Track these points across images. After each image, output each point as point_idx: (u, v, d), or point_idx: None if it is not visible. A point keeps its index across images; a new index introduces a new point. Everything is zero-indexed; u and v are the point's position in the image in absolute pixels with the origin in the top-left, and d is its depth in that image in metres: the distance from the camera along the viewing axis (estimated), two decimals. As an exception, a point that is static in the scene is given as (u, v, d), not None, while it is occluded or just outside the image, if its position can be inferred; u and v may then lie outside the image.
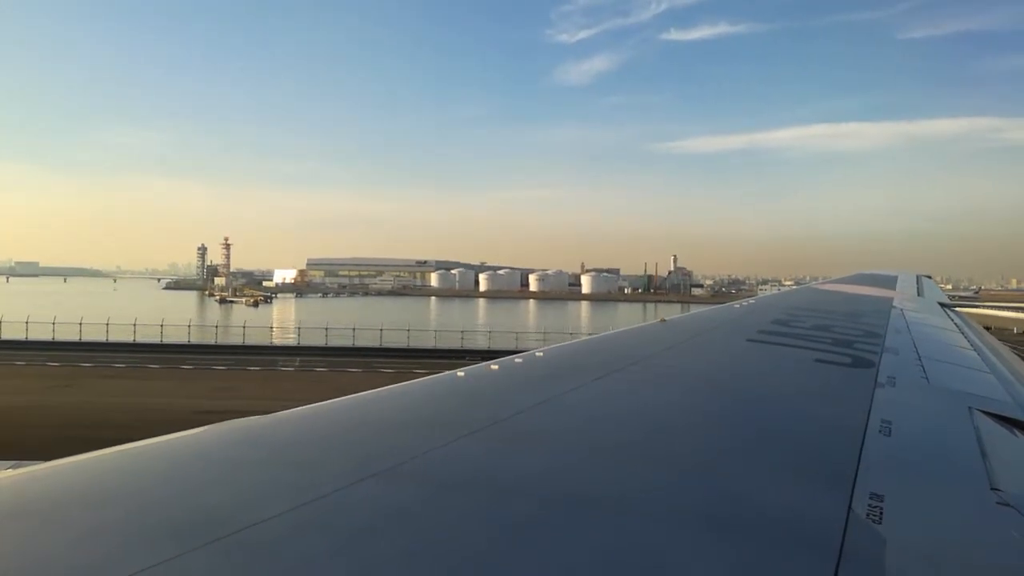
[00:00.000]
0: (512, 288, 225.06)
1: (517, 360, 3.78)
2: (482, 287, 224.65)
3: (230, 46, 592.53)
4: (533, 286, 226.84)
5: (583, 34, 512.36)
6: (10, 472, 1.92)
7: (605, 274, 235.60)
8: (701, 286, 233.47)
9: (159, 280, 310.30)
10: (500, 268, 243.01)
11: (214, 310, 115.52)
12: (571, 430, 2.50)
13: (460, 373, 3.30)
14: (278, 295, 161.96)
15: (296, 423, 2.40)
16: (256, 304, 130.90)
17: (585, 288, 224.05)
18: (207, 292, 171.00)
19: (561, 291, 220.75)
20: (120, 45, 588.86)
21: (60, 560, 1.33)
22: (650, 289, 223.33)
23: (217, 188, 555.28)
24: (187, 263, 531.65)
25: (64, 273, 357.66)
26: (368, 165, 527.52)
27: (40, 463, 1.92)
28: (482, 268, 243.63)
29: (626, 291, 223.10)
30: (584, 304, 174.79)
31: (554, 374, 3.48)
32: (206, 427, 2.24)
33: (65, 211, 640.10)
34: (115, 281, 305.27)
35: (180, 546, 1.34)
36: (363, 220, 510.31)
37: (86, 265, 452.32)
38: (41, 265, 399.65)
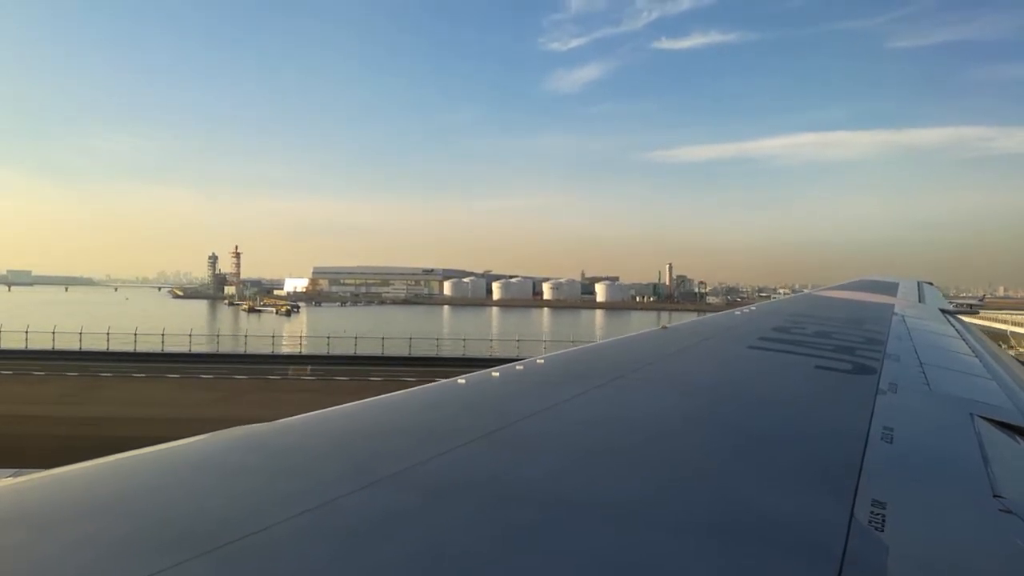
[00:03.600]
0: (525, 296, 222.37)
1: (519, 367, 3.77)
2: (495, 295, 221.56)
3: (222, 56, 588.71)
4: (547, 294, 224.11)
5: (575, 42, 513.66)
6: (11, 480, 1.91)
7: (619, 283, 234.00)
8: (704, 294, 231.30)
9: (160, 288, 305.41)
10: (512, 276, 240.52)
11: (250, 320, 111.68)
12: (574, 437, 2.51)
13: (461, 380, 3.29)
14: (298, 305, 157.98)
15: (298, 430, 2.42)
16: (288, 313, 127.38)
17: (599, 296, 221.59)
18: (226, 301, 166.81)
19: (575, 299, 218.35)
20: (112, 51, 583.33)
21: (62, 569, 1.32)
22: (656, 296, 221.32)
23: (206, 196, 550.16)
24: (176, 271, 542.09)
25: (56, 282, 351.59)
26: (361, 173, 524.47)
27: (41, 471, 1.91)
28: (490, 276, 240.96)
29: (637, 299, 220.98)
30: (601, 312, 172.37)
31: (556, 381, 3.48)
32: (208, 434, 2.26)
33: (55, 219, 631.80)
34: (116, 290, 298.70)
35: (183, 554, 1.34)
36: (360, 228, 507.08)
37: (76, 273, 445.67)
38: (34, 274, 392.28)
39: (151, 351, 41.58)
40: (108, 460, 1.96)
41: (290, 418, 2.49)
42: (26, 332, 41.16)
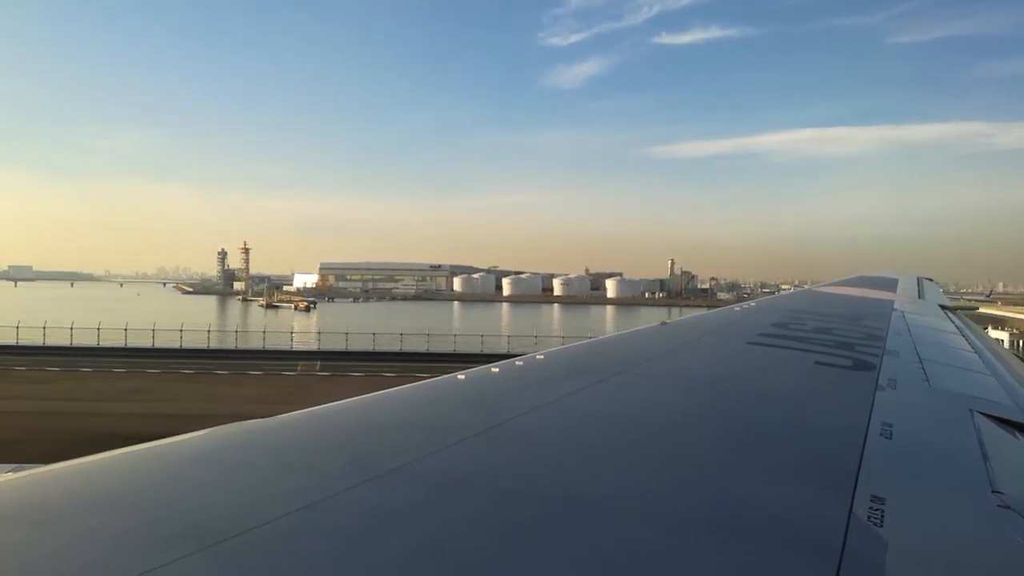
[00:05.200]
0: (535, 292, 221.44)
1: (518, 363, 3.80)
2: (505, 291, 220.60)
3: (223, 53, 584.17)
4: (557, 290, 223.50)
5: (575, 37, 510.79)
6: (11, 475, 1.92)
7: (628, 279, 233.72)
8: (713, 290, 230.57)
9: (164, 284, 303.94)
10: (519, 272, 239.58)
11: (273, 316, 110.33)
12: (572, 433, 2.52)
13: (461, 376, 3.32)
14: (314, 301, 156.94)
15: (298, 426, 2.42)
16: (308, 309, 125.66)
17: (610, 292, 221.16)
18: (240, 297, 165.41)
19: (585, 295, 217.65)
20: (113, 49, 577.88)
21: (62, 564, 1.32)
22: (666, 293, 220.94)
23: (206, 193, 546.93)
24: (175, 267, 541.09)
25: (57, 277, 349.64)
26: (362, 171, 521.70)
27: (41, 466, 1.92)
28: (496, 272, 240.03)
29: (647, 295, 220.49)
30: (612, 309, 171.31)
31: (555, 377, 3.49)
32: (208, 430, 2.26)
33: (54, 215, 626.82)
34: (121, 285, 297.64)
35: (182, 549, 1.34)
36: (361, 225, 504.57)
37: (76, 269, 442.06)
38: (35, 269, 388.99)
39: (230, 348, 42.29)
40: (108, 455, 1.97)
41: (289, 414, 2.49)
42: (98, 329, 41.31)
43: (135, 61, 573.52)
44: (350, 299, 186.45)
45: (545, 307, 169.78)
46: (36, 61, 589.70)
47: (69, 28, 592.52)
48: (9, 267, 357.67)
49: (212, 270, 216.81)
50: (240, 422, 2.35)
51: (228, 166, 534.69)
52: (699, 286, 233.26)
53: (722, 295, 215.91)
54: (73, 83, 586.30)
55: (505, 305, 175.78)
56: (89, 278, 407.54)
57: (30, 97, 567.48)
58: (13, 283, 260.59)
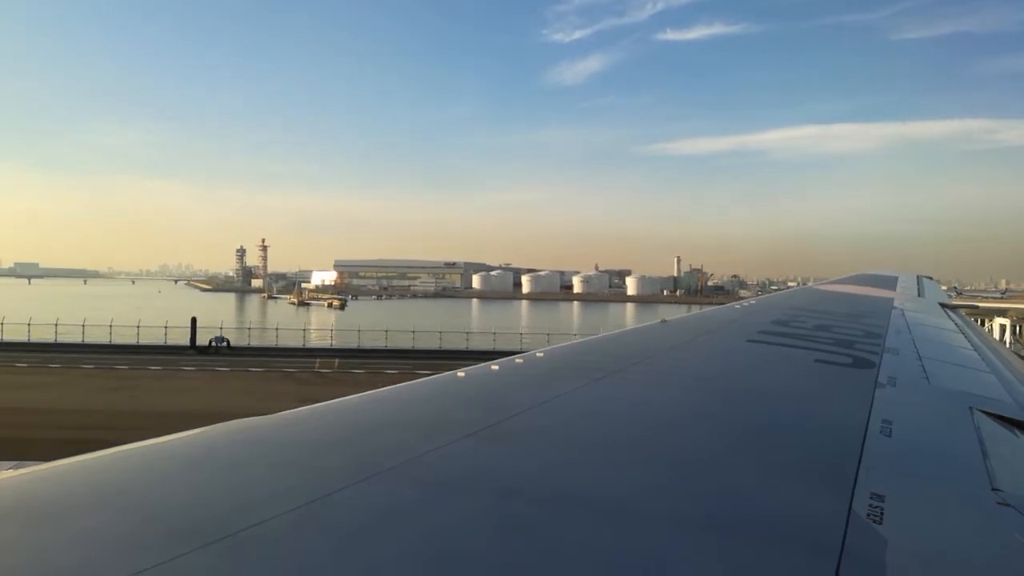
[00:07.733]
0: (553, 290, 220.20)
1: (518, 360, 3.81)
2: (524, 289, 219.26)
3: (226, 52, 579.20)
4: (576, 287, 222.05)
5: (578, 34, 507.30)
6: (11, 472, 1.93)
7: (650, 276, 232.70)
8: (722, 287, 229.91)
9: (176, 282, 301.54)
10: (533, 270, 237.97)
11: (303, 313, 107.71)
12: (571, 430, 2.51)
13: (460, 374, 3.33)
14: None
15: (298, 423, 2.42)
16: (343, 307, 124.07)
17: (631, 290, 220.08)
18: (265, 295, 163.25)
19: (605, 293, 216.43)
20: (115, 46, 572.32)
21: (62, 561, 1.32)
22: (684, 290, 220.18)
23: (206, 190, 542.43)
24: (177, 264, 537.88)
25: (62, 274, 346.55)
26: (360, 169, 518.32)
27: (42, 463, 1.93)
28: (510, 269, 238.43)
29: (665, 293, 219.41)
30: (632, 306, 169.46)
31: (554, 374, 3.49)
32: (208, 427, 2.26)
33: (56, 212, 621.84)
34: (134, 283, 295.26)
35: (181, 547, 1.34)
36: (361, 223, 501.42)
37: (79, 266, 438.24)
38: (40, 266, 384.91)
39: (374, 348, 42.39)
40: (108, 453, 1.99)
41: (289, 411, 2.49)
42: (248, 330, 43.24)
43: (136, 59, 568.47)
44: (372, 296, 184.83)
45: (568, 304, 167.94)
46: (36, 59, 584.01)
47: (71, 26, 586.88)
48: (15, 264, 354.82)
49: (218, 267, 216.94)
50: (239, 419, 2.34)
51: (230, 164, 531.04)
52: (709, 283, 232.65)
53: (743, 292, 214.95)
54: (74, 80, 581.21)
55: (526, 303, 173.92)
56: (95, 275, 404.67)
57: (30, 95, 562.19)
58: (27, 280, 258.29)
